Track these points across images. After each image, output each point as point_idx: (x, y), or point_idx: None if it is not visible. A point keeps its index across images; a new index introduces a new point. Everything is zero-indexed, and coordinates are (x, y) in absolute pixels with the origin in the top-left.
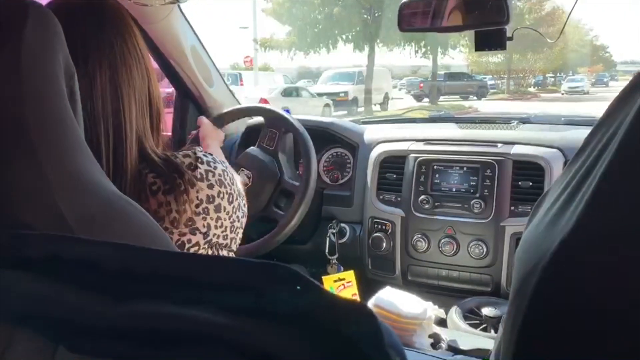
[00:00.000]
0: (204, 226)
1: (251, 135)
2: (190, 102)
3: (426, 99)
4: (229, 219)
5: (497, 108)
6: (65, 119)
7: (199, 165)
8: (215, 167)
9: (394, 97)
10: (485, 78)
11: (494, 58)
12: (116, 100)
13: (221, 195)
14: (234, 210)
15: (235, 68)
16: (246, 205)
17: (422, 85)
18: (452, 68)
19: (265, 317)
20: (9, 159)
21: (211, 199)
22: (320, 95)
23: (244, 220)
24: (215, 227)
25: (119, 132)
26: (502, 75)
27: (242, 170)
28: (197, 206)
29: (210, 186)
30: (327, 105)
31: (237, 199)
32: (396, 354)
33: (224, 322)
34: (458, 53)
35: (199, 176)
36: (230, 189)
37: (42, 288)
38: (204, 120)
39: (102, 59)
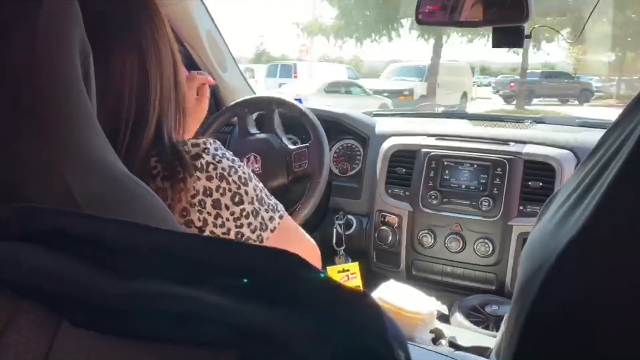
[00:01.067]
0: (199, 220)
1: (258, 121)
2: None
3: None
4: (234, 221)
5: (602, 115)
6: (79, 97)
7: (204, 155)
8: (219, 161)
9: (479, 96)
10: (592, 79)
11: (602, 56)
12: (145, 80)
13: (221, 190)
14: (244, 214)
15: (286, 58)
16: (275, 221)
17: (512, 84)
18: (556, 67)
19: (267, 301)
20: (19, 132)
21: (208, 192)
22: (378, 92)
23: (265, 235)
24: (214, 225)
25: (141, 112)
26: (611, 77)
27: (252, 154)
28: (192, 197)
29: (209, 178)
30: (383, 105)
31: (251, 203)
32: (399, 346)
33: (226, 304)
34: (557, 48)
35: (199, 166)
36: (238, 188)
37: (47, 262)
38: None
39: (132, 43)
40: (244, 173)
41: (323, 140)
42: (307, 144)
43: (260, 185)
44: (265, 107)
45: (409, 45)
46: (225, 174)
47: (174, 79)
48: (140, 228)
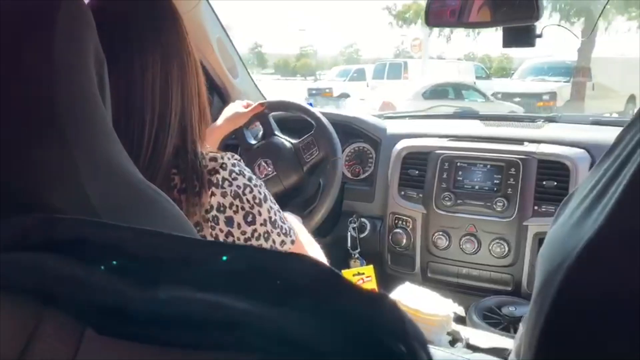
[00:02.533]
0: (211, 235)
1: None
2: (214, 94)
3: None
4: (245, 241)
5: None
6: (95, 106)
7: (220, 170)
8: (235, 178)
9: None
10: None
11: None
12: (165, 90)
13: (234, 208)
14: (255, 235)
15: (400, 55)
16: (288, 246)
17: None
18: None
19: (289, 304)
20: (38, 141)
21: (222, 209)
22: (508, 97)
23: None
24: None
25: (162, 121)
26: None
27: (264, 159)
28: (206, 212)
29: (224, 194)
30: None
31: (263, 224)
32: (421, 347)
33: (249, 309)
34: None
35: (215, 181)
36: (251, 208)
37: (70, 270)
38: (237, 101)
39: (156, 48)
40: (259, 193)
41: (325, 122)
42: (311, 132)
43: (276, 207)
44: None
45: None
46: (240, 192)
47: (196, 87)
48: (161, 236)
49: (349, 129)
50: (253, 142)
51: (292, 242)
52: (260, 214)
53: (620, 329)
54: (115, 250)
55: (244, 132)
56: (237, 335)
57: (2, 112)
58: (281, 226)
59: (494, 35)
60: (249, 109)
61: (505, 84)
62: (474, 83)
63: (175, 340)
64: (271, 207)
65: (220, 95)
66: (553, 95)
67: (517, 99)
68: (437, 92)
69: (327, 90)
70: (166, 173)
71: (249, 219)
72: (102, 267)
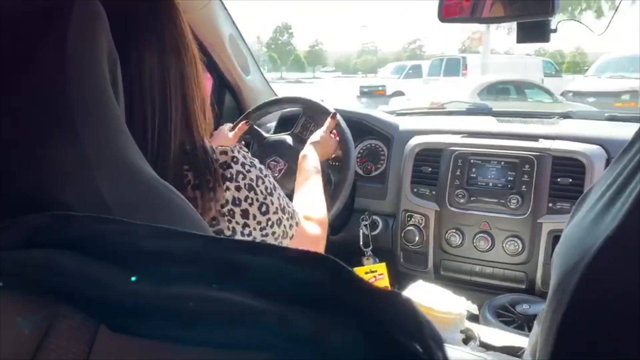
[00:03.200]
0: (228, 229)
1: (285, 124)
2: (226, 91)
3: None
4: (260, 231)
5: None
6: (108, 103)
7: (233, 164)
8: (248, 171)
9: None
10: None
11: None
12: (163, 83)
13: (249, 200)
14: (270, 223)
15: (465, 51)
16: (294, 228)
17: None
18: None
19: (303, 303)
20: (51, 139)
21: (237, 202)
22: (579, 96)
23: (286, 242)
24: (242, 235)
25: (164, 116)
26: None
27: (275, 157)
28: (222, 206)
29: (238, 188)
30: None
31: (276, 212)
32: (436, 346)
33: (263, 307)
34: None
35: (228, 176)
36: (264, 199)
37: (84, 267)
38: (223, 126)
39: (152, 41)
40: (270, 183)
41: (310, 98)
42: (300, 113)
43: (282, 192)
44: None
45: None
46: (254, 184)
47: (195, 79)
48: (174, 233)
49: (361, 126)
50: (267, 134)
51: (297, 224)
52: (272, 203)
53: (638, 326)
54: (128, 248)
55: (298, 119)
56: (250, 333)
57: (15, 110)
58: (289, 211)
59: (567, 27)
60: (233, 132)
61: (578, 81)
62: (542, 81)
63: (188, 338)
64: (280, 194)
65: (232, 92)
66: (634, 94)
67: (591, 99)
68: (496, 91)
69: (380, 88)
70: (178, 170)
71: (263, 209)
72: (116, 266)
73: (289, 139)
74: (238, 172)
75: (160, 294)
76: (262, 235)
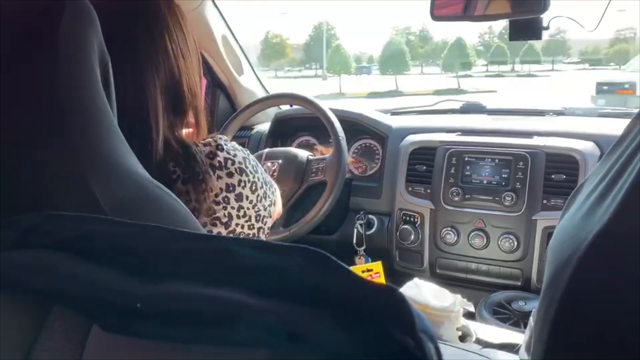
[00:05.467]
0: (224, 216)
1: (280, 124)
2: (220, 92)
3: None
4: (253, 208)
5: None
6: (100, 105)
7: (219, 152)
8: (235, 155)
9: None
10: None
11: None
12: (140, 92)
13: (242, 183)
14: (259, 199)
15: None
16: (276, 193)
17: None
18: None
19: (296, 299)
20: (43, 141)
21: (231, 188)
22: None
23: (273, 209)
24: (238, 217)
25: (144, 123)
26: None
27: (271, 160)
28: (216, 195)
29: (230, 174)
30: None
31: (262, 187)
32: (428, 339)
33: (257, 304)
34: None
35: (217, 164)
36: (253, 177)
37: (76, 268)
38: None
39: (126, 51)
40: (253, 160)
41: (343, 152)
42: (326, 157)
43: (262, 167)
44: (286, 102)
45: None
46: (243, 166)
47: (178, 88)
48: (165, 231)
49: (356, 126)
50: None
51: (275, 187)
52: (259, 179)
53: (632, 320)
54: (119, 247)
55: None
56: (244, 330)
57: (6, 112)
58: (270, 182)
59: None
60: None
61: None
62: None
63: (181, 337)
64: (262, 170)
65: (225, 93)
66: None
67: None
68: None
69: (627, 87)
70: (163, 168)
71: (253, 187)
72: (108, 264)
73: (300, 154)
74: (226, 159)
75: (152, 293)
76: (256, 212)
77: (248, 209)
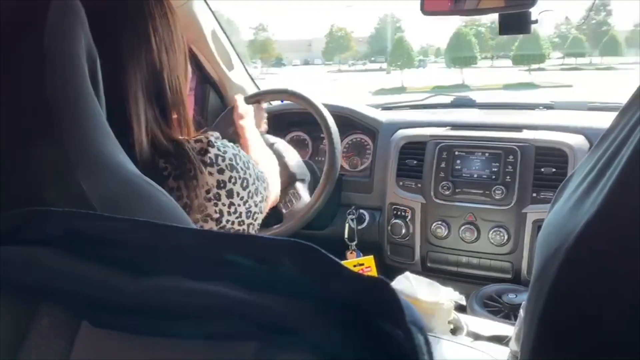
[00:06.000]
0: (215, 212)
1: (270, 121)
2: (210, 88)
3: None
4: (244, 204)
5: None
6: (87, 100)
7: (209, 149)
8: (225, 152)
9: None
10: None
11: None
12: (120, 87)
13: (233, 180)
14: (250, 195)
15: None
16: (267, 189)
17: None
18: None
19: (284, 292)
20: (31, 137)
21: (222, 184)
22: None
23: (264, 205)
24: (229, 214)
25: (124, 118)
26: None
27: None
28: (207, 192)
29: (221, 171)
30: None
31: (253, 183)
32: (417, 330)
33: (245, 297)
34: None
35: (208, 161)
36: (244, 174)
37: (64, 263)
38: (239, 98)
39: (108, 42)
40: (244, 156)
41: (336, 147)
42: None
43: (252, 160)
44: (278, 98)
45: None
46: (234, 162)
47: (160, 83)
48: (154, 226)
49: (345, 121)
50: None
51: (268, 183)
52: (250, 175)
53: (618, 311)
54: (108, 242)
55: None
56: (233, 324)
57: None
58: (260, 176)
59: None
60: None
61: None
62: None
63: (170, 331)
64: (252, 163)
65: (215, 88)
66: None
67: None
68: None
69: None
70: (152, 164)
71: (245, 183)
72: (96, 260)
73: (278, 143)
74: (217, 155)
75: (142, 288)
76: (247, 208)
77: (239, 205)
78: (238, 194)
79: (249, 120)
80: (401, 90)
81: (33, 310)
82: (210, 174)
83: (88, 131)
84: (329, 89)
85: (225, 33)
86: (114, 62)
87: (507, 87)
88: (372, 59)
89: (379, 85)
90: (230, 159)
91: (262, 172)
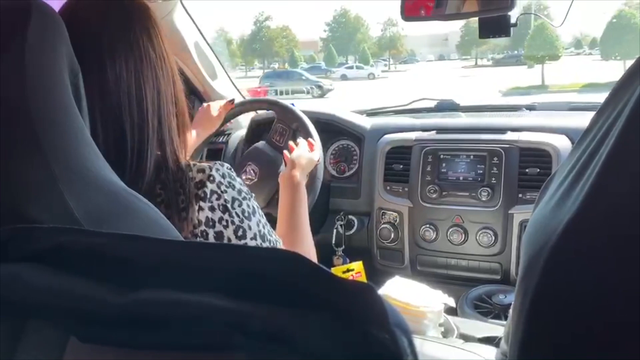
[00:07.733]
0: None
1: (257, 129)
2: (195, 99)
3: None
4: None
5: None
6: (70, 114)
7: (208, 183)
8: (224, 191)
9: None
10: None
11: None
12: (141, 97)
13: (224, 222)
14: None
15: None
16: (267, 227)
17: None
18: None
19: (271, 301)
20: (14, 153)
21: (211, 224)
22: None
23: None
24: None
25: (141, 131)
26: None
27: (249, 164)
28: (194, 227)
29: (212, 209)
30: None
31: (254, 238)
32: (402, 333)
33: (233, 307)
34: None
35: (202, 195)
36: (241, 222)
37: (50, 279)
38: (205, 105)
39: (128, 56)
40: (248, 207)
41: (305, 120)
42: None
43: (264, 220)
44: (259, 108)
45: None
46: (229, 206)
47: (172, 94)
48: (141, 240)
49: (331, 127)
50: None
51: (281, 244)
52: (250, 228)
53: (603, 307)
54: (93, 257)
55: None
56: (222, 334)
57: None
58: (269, 239)
59: None
60: (218, 112)
61: None
62: None
63: (160, 343)
64: (260, 220)
65: (200, 99)
66: None
67: None
68: None
69: None
70: (151, 189)
71: (240, 233)
72: (82, 275)
73: (263, 147)
74: (212, 192)
75: (128, 301)
76: None
77: None
78: (229, 240)
79: (201, 129)
80: (541, 88)
81: (21, 328)
82: (201, 209)
83: (71, 146)
84: (452, 87)
85: (208, 43)
86: (134, 77)
87: None
88: (516, 50)
89: (512, 83)
90: (226, 200)
91: (272, 232)
